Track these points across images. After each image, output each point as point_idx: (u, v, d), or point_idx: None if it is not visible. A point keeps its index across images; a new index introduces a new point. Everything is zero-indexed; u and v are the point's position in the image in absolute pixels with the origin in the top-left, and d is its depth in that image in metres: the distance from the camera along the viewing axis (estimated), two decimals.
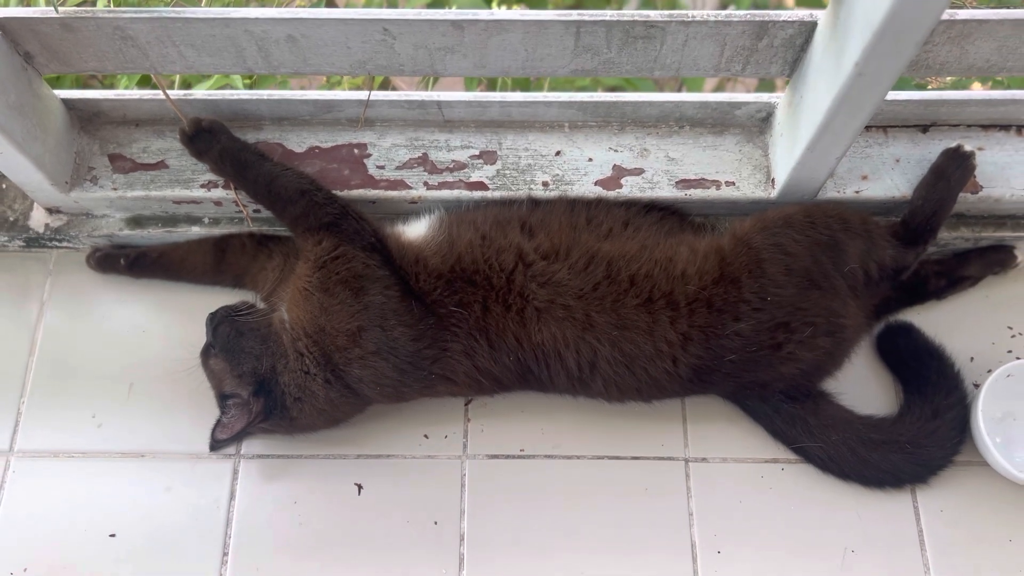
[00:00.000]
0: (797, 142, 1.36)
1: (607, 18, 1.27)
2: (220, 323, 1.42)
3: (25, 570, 1.43)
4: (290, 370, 1.38)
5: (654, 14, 1.27)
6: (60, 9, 1.28)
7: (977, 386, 1.54)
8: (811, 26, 1.28)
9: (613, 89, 2.10)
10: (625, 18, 1.27)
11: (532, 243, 1.41)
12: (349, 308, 1.37)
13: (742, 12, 1.28)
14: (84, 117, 1.54)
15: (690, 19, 1.27)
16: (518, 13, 1.28)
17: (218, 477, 1.49)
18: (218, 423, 1.38)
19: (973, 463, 1.49)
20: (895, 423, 1.48)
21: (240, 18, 1.28)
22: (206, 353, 1.44)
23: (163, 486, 1.49)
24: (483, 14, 1.27)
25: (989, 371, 1.55)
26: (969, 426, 1.48)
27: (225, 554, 1.44)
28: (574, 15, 1.27)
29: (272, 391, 1.38)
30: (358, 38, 1.31)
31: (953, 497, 1.49)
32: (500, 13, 1.27)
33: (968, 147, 1.46)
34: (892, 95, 1.48)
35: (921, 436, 1.45)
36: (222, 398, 1.41)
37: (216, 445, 1.37)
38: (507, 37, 1.30)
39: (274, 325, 1.42)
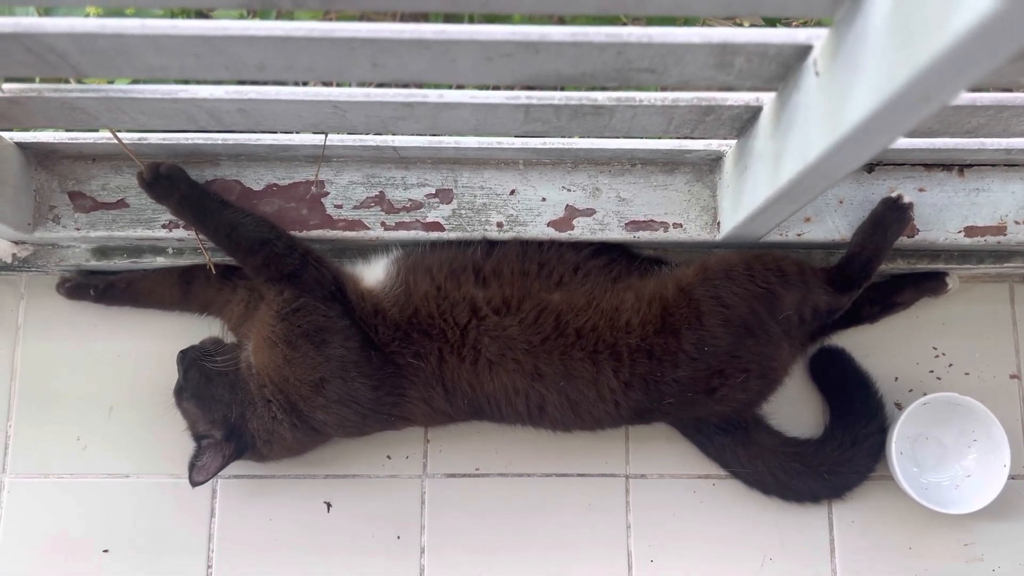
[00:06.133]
0: (739, 209, 1.41)
1: (555, 101, 1.28)
2: (189, 367, 1.51)
3: None
4: (258, 416, 1.48)
5: (602, 97, 1.28)
6: (5, 87, 1.27)
7: (899, 405, 1.68)
8: (756, 110, 1.29)
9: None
10: (572, 101, 1.28)
11: (485, 294, 1.48)
12: (311, 361, 1.45)
13: (689, 95, 1.29)
14: (40, 153, 1.54)
15: (637, 103, 1.28)
16: (467, 95, 1.27)
17: (199, 496, 1.62)
18: (194, 465, 1.48)
19: (885, 477, 1.65)
20: (816, 450, 1.62)
21: (188, 98, 1.27)
22: (179, 393, 1.53)
23: (149, 504, 1.62)
24: (432, 95, 1.27)
25: (911, 391, 1.69)
26: (884, 450, 1.63)
27: (209, 567, 1.61)
28: (522, 97, 1.28)
29: (242, 435, 1.49)
30: (309, 111, 1.32)
31: (863, 509, 1.66)
32: (449, 95, 1.27)
33: (907, 198, 1.51)
34: None
35: (839, 464, 1.60)
36: (197, 437, 1.52)
37: (195, 484, 1.49)
38: (457, 112, 1.31)
39: (241, 370, 1.50)
